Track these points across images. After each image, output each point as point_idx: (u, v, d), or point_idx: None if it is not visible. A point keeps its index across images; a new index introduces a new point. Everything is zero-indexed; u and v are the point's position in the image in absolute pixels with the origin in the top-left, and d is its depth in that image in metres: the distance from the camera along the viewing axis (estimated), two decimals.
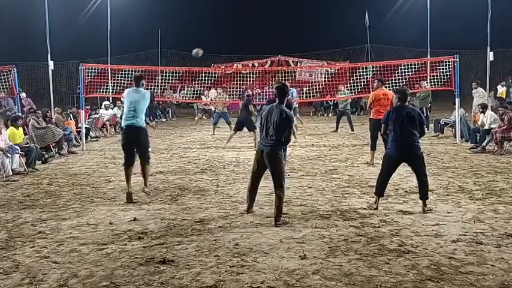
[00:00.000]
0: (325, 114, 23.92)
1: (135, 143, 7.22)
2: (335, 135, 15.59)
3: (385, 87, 10.43)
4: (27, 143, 10.48)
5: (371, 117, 9.86)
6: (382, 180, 6.48)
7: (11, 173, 9.23)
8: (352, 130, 15.98)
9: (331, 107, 23.52)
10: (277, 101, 5.94)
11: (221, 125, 16.20)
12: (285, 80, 19.97)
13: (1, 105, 15.25)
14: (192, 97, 21.76)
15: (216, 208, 6.62)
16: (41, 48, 18.53)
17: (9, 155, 9.41)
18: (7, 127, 10.32)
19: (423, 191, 6.32)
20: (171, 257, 4.74)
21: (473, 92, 14.94)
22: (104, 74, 18.26)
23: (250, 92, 13.88)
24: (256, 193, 6.32)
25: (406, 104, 6.54)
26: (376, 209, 6.39)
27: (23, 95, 19.12)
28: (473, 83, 15.12)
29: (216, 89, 20.09)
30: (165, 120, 23.08)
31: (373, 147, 9.82)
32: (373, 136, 9.75)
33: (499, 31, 20.72)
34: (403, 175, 8.57)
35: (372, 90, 11.37)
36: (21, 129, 10.60)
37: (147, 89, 16.05)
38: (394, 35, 28.24)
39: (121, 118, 10.28)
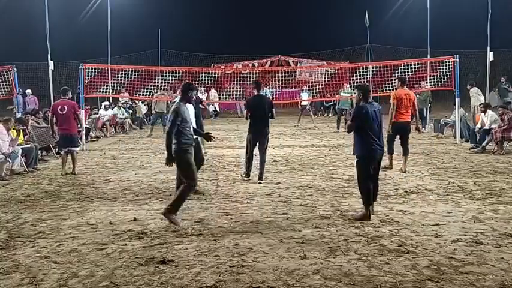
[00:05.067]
0: (325, 114, 23.92)
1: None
2: (335, 135, 15.58)
3: (391, 88, 10.32)
4: (27, 143, 10.47)
5: (394, 120, 8.95)
6: (369, 185, 5.95)
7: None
8: (338, 129, 16.11)
9: (332, 106, 23.48)
10: (180, 99, 6.17)
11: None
12: (285, 80, 20.03)
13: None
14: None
15: (216, 208, 6.62)
16: (41, 48, 18.54)
17: (10, 161, 9.41)
18: None
19: (376, 193, 6.13)
20: (171, 257, 4.73)
21: (470, 92, 14.98)
22: (104, 74, 18.26)
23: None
24: None
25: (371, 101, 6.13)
26: (370, 216, 5.87)
27: (29, 91, 19.12)
28: (468, 85, 15.12)
29: (215, 89, 20.26)
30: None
31: (392, 150, 9.15)
32: (392, 139, 9.08)
33: (499, 31, 20.72)
34: (403, 175, 8.58)
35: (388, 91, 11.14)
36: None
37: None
38: (394, 35, 28.22)
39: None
